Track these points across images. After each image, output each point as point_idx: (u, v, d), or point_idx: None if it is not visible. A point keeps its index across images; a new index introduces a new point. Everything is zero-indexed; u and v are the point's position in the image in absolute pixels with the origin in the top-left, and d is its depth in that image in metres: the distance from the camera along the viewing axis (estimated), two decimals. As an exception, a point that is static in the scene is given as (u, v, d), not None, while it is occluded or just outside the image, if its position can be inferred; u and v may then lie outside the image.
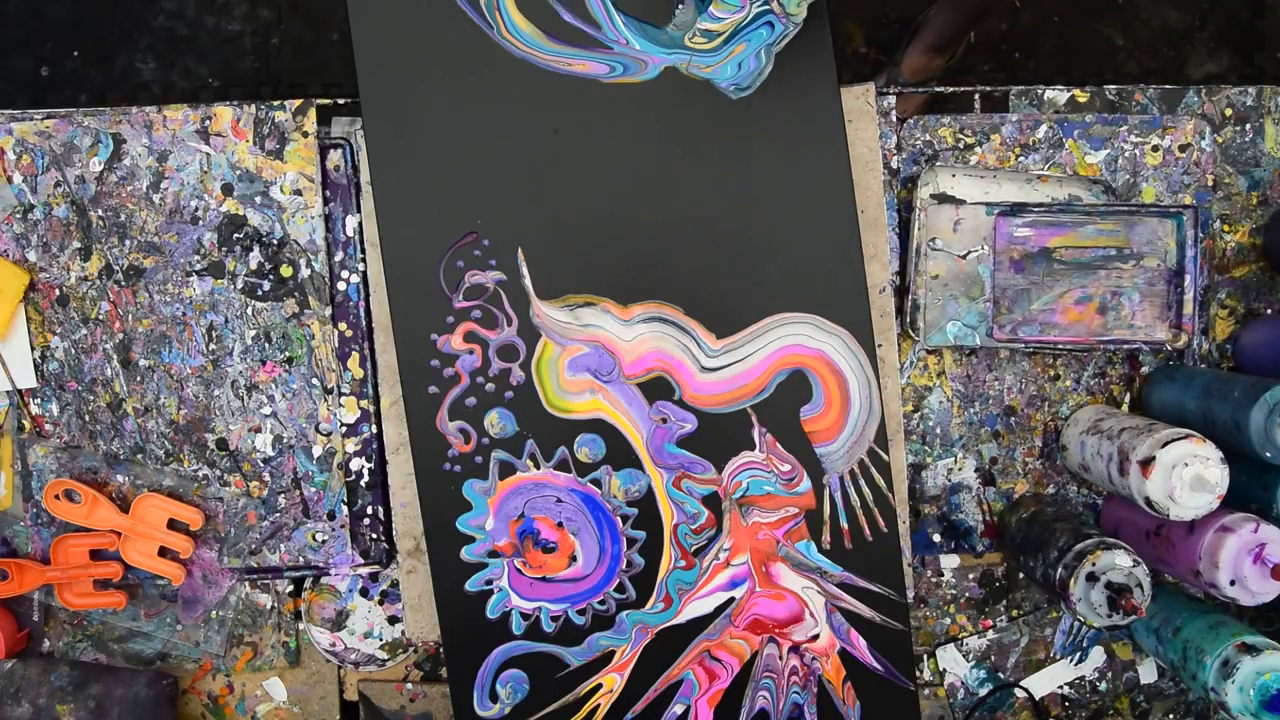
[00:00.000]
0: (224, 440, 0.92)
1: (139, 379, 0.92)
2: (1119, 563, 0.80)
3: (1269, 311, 0.97)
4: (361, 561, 0.94)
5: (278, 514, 0.93)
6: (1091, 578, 0.80)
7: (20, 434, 0.92)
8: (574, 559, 0.90)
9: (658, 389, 0.88)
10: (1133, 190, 0.95)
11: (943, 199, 0.94)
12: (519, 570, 0.89)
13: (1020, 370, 0.96)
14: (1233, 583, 0.80)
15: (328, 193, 0.93)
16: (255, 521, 0.93)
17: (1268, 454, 0.79)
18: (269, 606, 0.96)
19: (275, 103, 0.91)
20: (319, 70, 1.65)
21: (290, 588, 0.96)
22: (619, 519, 0.89)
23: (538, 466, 0.89)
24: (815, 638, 0.91)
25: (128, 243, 0.91)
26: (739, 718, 0.91)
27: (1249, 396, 0.79)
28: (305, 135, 0.91)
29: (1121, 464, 0.83)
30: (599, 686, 0.90)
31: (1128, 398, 0.96)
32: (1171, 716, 0.99)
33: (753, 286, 0.88)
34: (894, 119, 0.95)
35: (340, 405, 0.93)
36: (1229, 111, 0.96)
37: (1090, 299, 0.93)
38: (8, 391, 0.91)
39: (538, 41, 0.87)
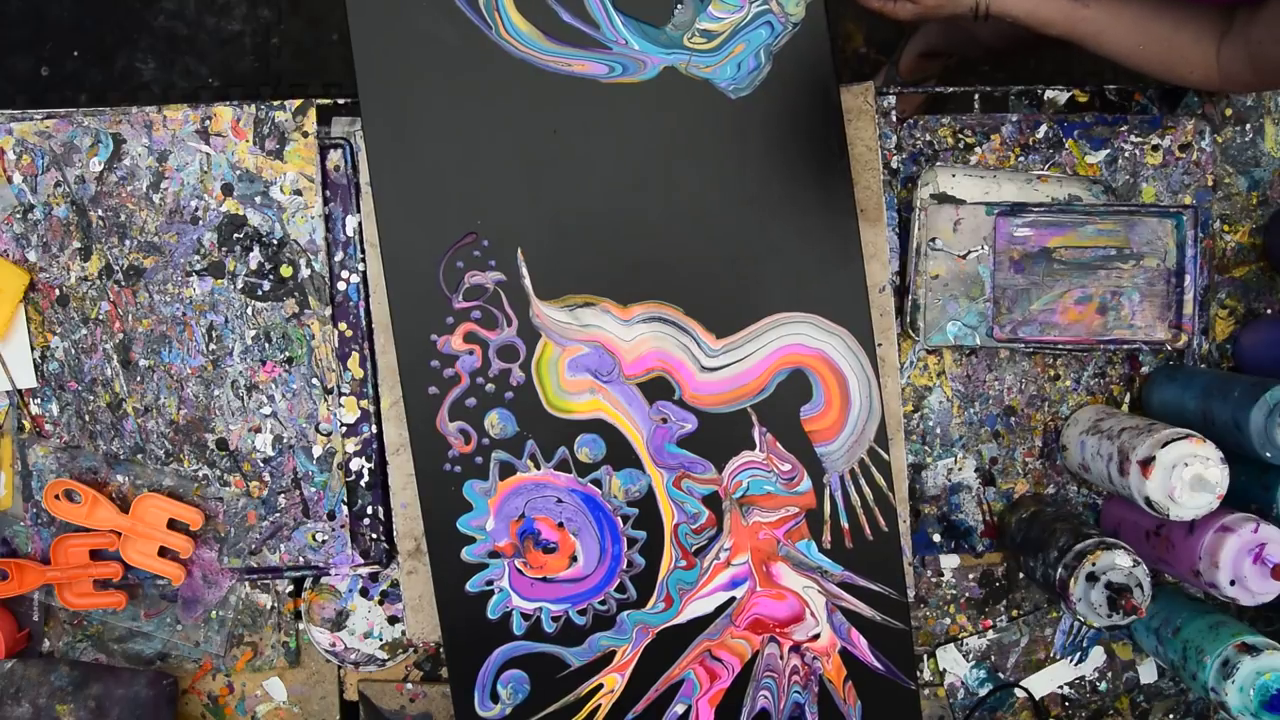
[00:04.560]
0: (224, 440, 0.92)
1: (139, 379, 0.92)
2: (1119, 563, 0.80)
3: (1269, 311, 0.97)
4: (361, 561, 0.94)
5: (278, 514, 0.93)
6: (1091, 578, 0.80)
7: (20, 434, 0.92)
8: (574, 559, 0.90)
9: (658, 389, 0.88)
10: (1133, 190, 0.95)
11: (943, 199, 0.94)
12: (520, 571, 0.89)
13: (1020, 370, 0.96)
14: (1233, 583, 0.80)
15: (328, 193, 0.93)
16: (255, 521, 0.93)
17: (1268, 454, 0.79)
18: (269, 606, 0.96)
19: (275, 103, 0.91)
20: (319, 70, 1.65)
21: (290, 588, 0.96)
22: (619, 519, 0.89)
23: (538, 467, 0.89)
24: (816, 637, 0.91)
25: (128, 243, 0.91)
26: (740, 717, 0.91)
27: (1249, 396, 0.79)
28: (305, 135, 0.91)
29: (1121, 464, 0.83)
30: (600, 686, 0.90)
31: (1128, 398, 0.96)
32: (1171, 716, 0.99)
33: (753, 286, 0.88)
34: (894, 119, 0.95)
35: (340, 405, 0.93)
36: (1229, 111, 0.96)
37: (1090, 299, 0.93)
38: (8, 391, 0.91)
39: (537, 42, 0.87)
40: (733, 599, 0.90)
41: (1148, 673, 0.99)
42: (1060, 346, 0.93)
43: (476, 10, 0.86)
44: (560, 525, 0.89)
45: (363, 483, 0.94)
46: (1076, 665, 0.98)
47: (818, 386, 0.89)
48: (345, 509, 0.93)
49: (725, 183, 0.88)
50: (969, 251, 0.92)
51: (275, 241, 0.91)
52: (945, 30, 1.36)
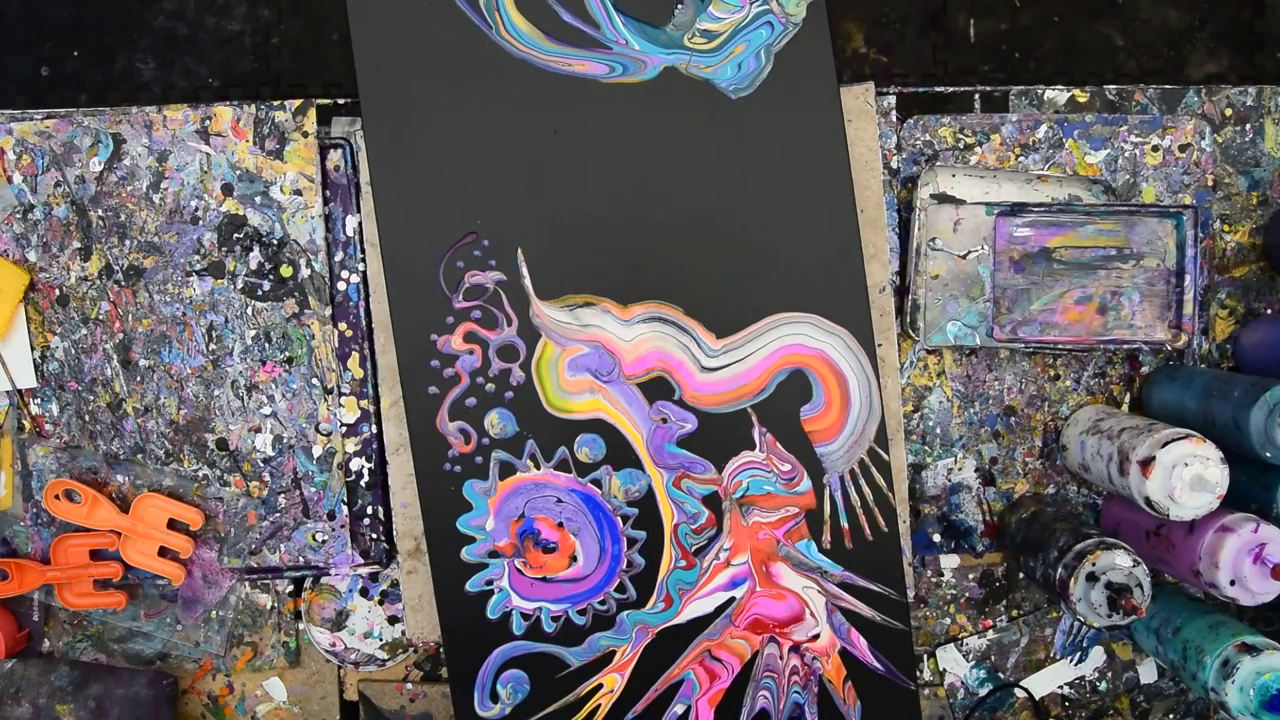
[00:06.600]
0: (224, 440, 0.92)
1: (139, 379, 0.92)
2: (1119, 563, 0.80)
3: (1269, 311, 0.97)
4: (361, 561, 0.94)
5: (278, 514, 0.93)
6: (1091, 578, 0.80)
7: (20, 434, 0.92)
8: (574, 559, 0.90)
9: (658, 389, 0.88)
10: (1133, 190, 0.95)
11: (943, 199, 0.94)
12: (519, 570, 0.89)
13: (1020, 370, 0.96)
14: (1233, 583, 0.80)
15: (328, 193, 0.93)
16: (255, 521, 0.93)
17: (1268, 454, 0.79)
18: (269, 606, 0.96)
19: (275, 103, 0.91)
20: (319, 70, 1.64)
21: (290, 588, 0.96)
22: (619, 519, 0.89)
23: (538, 467, 0.89)
24: (816, 637, 0.91)
25: (128, 243, 0.91)
26: (740, 718, 0.91)
27: (1249, 396, 0.79)
28: (305, 135, 0.91)
29: (1121, 464, 0.83)
30: (599, 686, 0.90)
31: (1128, 398, 0.96)
32: (1171, 716, 0.99)
33: (753, 286, 0.88)
34: (894, 119, 0.94)
35: (340, 405, 0.93)
36: (1229, 111, 0.96)
37: (1090, 299, 0.93)
38: (8, 391, 0.91)
39: (537, 42, 0.87)
40: (732, 599, 0.90)
41: (1148, 673, 0.99)
42: (1060, 346, 0.93)
43: (476, 10, 0.86)
44: (560, 525, 0.89)
45: (363, 483, 0.94)
46: (1076, 665, 0.98)
47: (818, 386, 0.89)
48: (345, 509, 0.93)
49: (725, 183, 0.88)
50: (969, 251, 0.92)
51: (275, 241, 0.91)
52: None
